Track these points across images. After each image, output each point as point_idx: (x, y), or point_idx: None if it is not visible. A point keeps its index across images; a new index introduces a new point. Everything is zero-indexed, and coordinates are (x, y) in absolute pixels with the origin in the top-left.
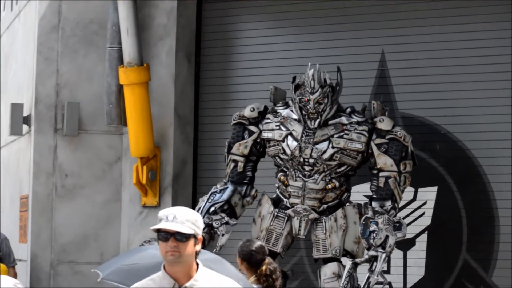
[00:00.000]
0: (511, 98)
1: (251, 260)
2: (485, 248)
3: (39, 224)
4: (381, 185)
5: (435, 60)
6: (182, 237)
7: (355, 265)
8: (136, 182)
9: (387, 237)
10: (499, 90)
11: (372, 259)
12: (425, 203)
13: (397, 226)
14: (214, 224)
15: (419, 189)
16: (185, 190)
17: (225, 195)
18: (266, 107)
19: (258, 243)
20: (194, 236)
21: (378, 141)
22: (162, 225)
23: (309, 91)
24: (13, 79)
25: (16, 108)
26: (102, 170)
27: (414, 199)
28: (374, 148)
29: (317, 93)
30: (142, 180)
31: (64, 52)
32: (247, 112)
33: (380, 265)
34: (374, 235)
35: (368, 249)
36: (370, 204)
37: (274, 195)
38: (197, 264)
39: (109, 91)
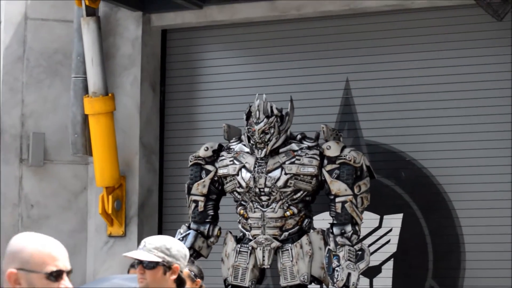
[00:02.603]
0: (475, 125)
1: None
2: (451, 275)
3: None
4: (339, 210)
5: (399, 88)
6: (149, 265)
7: None
8: (102, 212)
9: (349, 274)
10: (464, 117)
11: None
12: (390, 230)
13: (360, 254)
14: None
15: (385, 217)
16: (151, 219)
17: (188, 242)
18: (220, 145)
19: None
20: (164, 264)
21: (329, 167)
22: (130, 253)
23: (255, 121)
24: None
25: None
26: (67, 200)
27: (379, 227)
28: (326, 175)
29: (262, 124)
30: (107, 209)
31: (29, 82)
32: (201, 152)
33: None
34: (337, 275)
35: (333, 284)
36: (332, 231)
37: (241, 233)
38: None
39: (74, 121)
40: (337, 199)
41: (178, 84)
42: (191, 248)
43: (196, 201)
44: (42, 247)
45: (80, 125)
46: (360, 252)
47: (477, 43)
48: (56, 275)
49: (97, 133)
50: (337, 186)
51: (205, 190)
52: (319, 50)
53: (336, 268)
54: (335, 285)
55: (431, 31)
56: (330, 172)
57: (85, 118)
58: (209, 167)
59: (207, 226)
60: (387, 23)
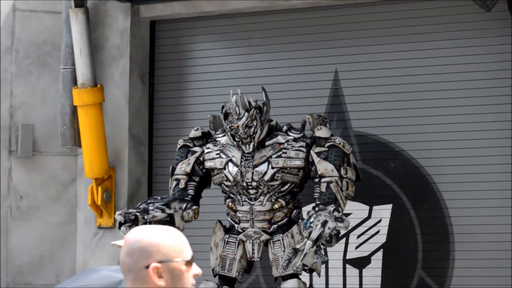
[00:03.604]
0: (464, 116)
1: None
2: (440, 265)
3: None
4: (323, 190)
5: (388, 78)
6: None
7: (295, 251)
8: (91, 203)
9: (326, 221)
10: (452, 108)
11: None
12: (380, 221)
13: (339, 220)
14: (150, 207)
15: (374, 207)
16: None
17: (165, 200)
18: (209, 132)
19: None
20: None
21: (318, 149)
22: (118, 241)
23: (236, 117)
24: None
25: None
26: (56, 191)
27: (369, 217)
28: (314, 156)
29: (244, 118)
30: (97, 201)
31: (17, 73)
32: (191, 133)
33: (316, 233)
34: (313, 224)
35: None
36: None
37: (228, 224)
38: None
39: (63, 113)
40: (323, 180)
41: (167, 75)
42: (167, 205)
43: (178, 180)
44: (175, 236)
45: (69, 117)
46: (339, 219)
47: (467, 34)
48: (191, 260)
49: (86, 124)
50: (324, 166)
51: (188, 169)
52: (308, 41)
53: (312, 220)
54: (311, 224)
55: (420, 21)
56: (318, 153)
57: (74, 109)
58: (196, 149)
59: (185, 203)
60: (376, 14)
